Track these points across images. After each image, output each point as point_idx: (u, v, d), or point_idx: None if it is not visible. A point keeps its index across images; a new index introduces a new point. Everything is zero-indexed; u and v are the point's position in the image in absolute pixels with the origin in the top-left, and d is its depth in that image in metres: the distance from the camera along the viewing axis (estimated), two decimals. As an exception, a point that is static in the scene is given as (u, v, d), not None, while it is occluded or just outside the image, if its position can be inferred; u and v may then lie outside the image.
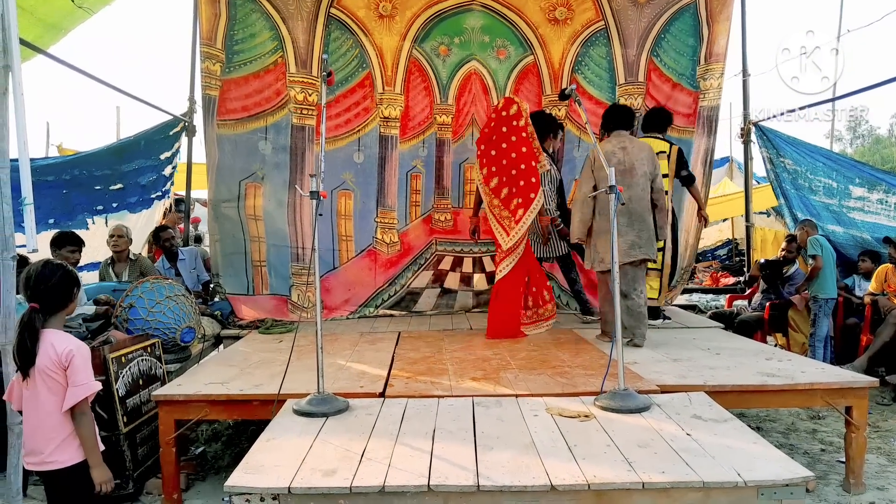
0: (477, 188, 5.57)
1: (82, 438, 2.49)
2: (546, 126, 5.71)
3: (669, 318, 5.90)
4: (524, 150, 5.18)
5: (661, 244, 5.45)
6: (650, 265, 5.40)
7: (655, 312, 5.72)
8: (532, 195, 5.15)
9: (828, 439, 4.61)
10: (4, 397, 2.60)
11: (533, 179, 5.17)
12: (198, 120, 6.60)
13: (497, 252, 5.37)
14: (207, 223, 6.53)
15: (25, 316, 2.44)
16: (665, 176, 5.47)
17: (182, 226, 7.70)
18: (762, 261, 7.11)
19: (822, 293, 6.05)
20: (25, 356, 2.41)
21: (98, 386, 2.53)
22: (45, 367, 2.42)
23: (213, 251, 6.16)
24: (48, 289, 2.48)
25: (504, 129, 5.25)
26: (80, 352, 2.46)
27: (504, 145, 5.22)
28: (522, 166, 5.16)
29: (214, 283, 6.22)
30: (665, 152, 5.53)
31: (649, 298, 5.54)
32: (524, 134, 5.21)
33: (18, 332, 2.44)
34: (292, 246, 6.28)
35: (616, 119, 5.00)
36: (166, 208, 7.09)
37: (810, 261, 6.14)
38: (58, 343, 2.44)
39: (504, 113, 5.30)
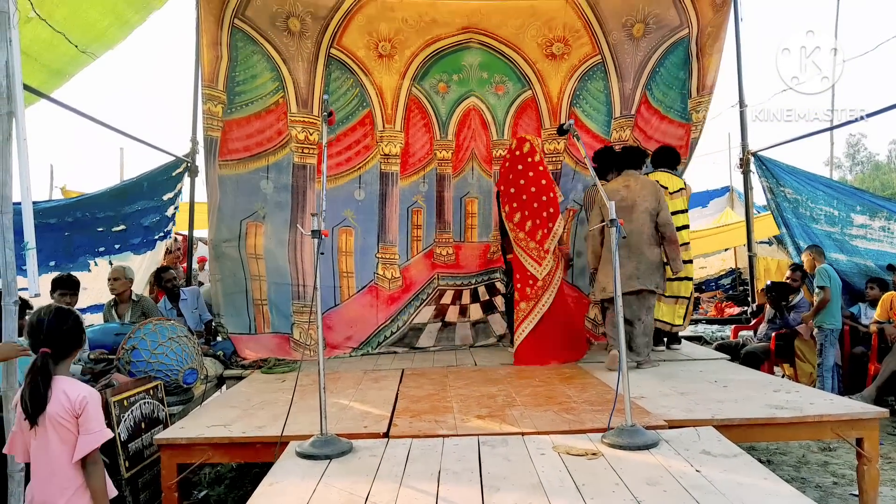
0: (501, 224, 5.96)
1: (93, 489, 2.40)
2: None
3: (679, 346, 5.96)
4: (543, 182, 5.53)
5: (689, 271, 5.73)
6: (680, 292, 5.69)
7: (672, 338, 5.92)
8: (551, 224, 5.47)
9: (840, 472, 4.54)
10: (5, 450, 2.52)
11: (551, 210, 5.50)
12: (200, 160, 6.65)
13: (526, 283, 5.47)
14: (209, 263, 6.53)
15: (38, 361, 2.36)
16: (685, 211, 5.78)
17: (185, 265, 7.70)
18: (768, 283, 7.10)
19: (827, 323, 6.03)
20: (37, 402, 2.32)
21: (110, 434, 2.46)
22: (57, 415, 2.33)
23: (214, 291, 6.14)
24: (62, 334, 2.44)
25: (520, 166, 5.58)
26: (92, 399, 2.40)
27: (522, 181, 5.53)
28: (543, 198, 5.49)
29: (216, 322, 6.20)
30: (683, 189, 5.80)
31: (675, 325, 5.80)
32: (541, 168, 5.57)
33: (30, 378, 2.35)
34: (293, 284, 6.28)
35: (628, 160, 5.39)
36: (167, 248, 7.09)
37: (817, 291, 6.11)
38: (70, 390, 2.37)
39: (518, 152, 5.63)
